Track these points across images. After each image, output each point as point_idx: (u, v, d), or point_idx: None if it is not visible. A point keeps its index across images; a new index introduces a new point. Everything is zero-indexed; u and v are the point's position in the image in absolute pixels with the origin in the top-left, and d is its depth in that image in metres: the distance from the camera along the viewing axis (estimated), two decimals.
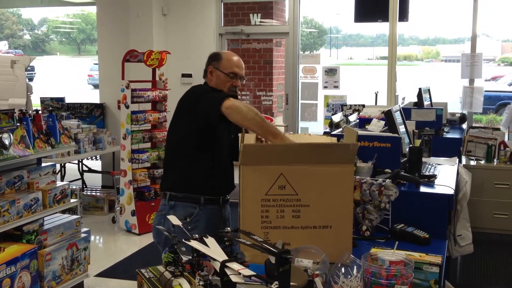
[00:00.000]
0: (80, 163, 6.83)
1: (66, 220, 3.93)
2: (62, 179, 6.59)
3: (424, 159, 3.49)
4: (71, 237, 3.92)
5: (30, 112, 3.94)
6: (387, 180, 2.73)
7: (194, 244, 1.67)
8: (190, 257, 1.59)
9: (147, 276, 1.56)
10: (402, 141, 3.12)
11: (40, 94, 7.35)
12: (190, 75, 6.92)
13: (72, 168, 7.18)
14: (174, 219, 1.89)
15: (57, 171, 4.09)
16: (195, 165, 2.75)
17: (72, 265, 3.86)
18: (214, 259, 1.60)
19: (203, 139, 2.74)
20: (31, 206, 3.56)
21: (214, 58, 2.88)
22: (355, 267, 2.04)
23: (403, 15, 5.76)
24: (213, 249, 1.66)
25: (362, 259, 1.93)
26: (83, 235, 4.03)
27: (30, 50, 39.91)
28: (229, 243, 1.80)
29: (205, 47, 7.00)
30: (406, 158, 3.11)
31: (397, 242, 2.08)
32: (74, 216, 4.09)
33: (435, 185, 2.88)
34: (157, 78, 5.94)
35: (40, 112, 3.88)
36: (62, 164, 6.66)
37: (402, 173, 2.91)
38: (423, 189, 2.81)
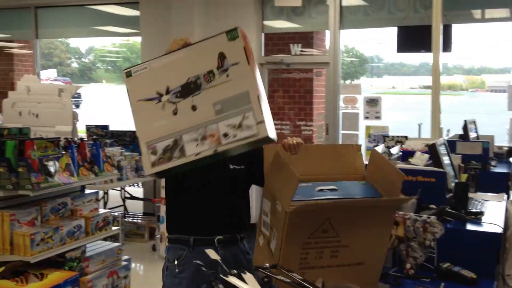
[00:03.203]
0: (123, 190, 6.93)
1: (108, 248, 3.96)
2: (105, 206, 6.70)
3: (470, 195, 3.38)
4: (112, 265, 3.95)
5: (76, 139, 4.04)
6: (432, 217, 2.65)
7: (232, 280, 1.65)
8: None
9: None
10: (447, 176, 3.04)
11: (86, 120, 7.54)
12: None
13: (114, 194, 7.28)
14: (212, 254, 1.87)
15: (99, 198, 4.14)
16: (178, 203, 2.57)
17: None
18: None
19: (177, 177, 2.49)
20: (74, 233, 3.61)
21: None
22: None
23: (447, 46, 5.69)
24: (251, 286, 1.64)
25: None
26: (124, 263, 4.06)
27: (77, 78, 41.14)
28: (267, 280, 1.77)
29: None
30: (451, 194, 3.02)
31: (443, 284, 2.01)
32: (116, 244, 4.13)
33: (482, 223, 2.78)
34: None
35: (85, 140, 3.97)
36: (105, 191, 6.77)
37: (448, 209, 2.82)
38: (470, 227, 2.72)
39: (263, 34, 7.28)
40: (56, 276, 3.35)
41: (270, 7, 7.15)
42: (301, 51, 7.54)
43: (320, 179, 2.21)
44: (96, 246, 3.96)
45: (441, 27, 5.51)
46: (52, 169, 3.41)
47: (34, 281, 3.29)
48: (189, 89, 1.89)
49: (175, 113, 1.88)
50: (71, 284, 3.38)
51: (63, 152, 3.60)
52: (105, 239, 4.13)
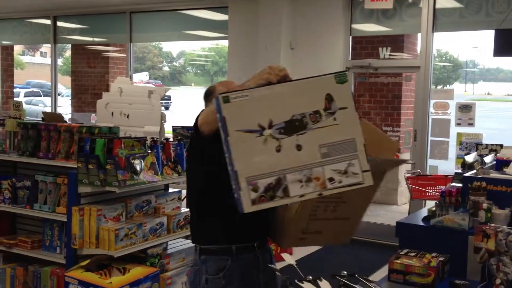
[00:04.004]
0: None
1: (188, 246, 4.02)
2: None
3: None
4: (192, 263, 3.99)
5: (163, 139, 4.14)
6: None
7: (307, 286, 1.59)
8: None
9: None
10: None
11: (174, 122, 7.74)
12: None
13: None
14: (288, 258, 1.83)
15: (182, 198, 4.22)
16: (216, 211, 2.47)
17: None
18: None
19: (212, 177, 2.44)
20: (156, 230, 3.70)
21: (210, 93, 2.65)
22: None
23: None
24: None
25: None
26: None
27: (168, 81, 42.66)
28: None
29: None
30: None
31: None
32: None
33: None
34: None
35: (170, 140, 4.06)
36: None
37: None
38: None
39: (350, 38, 7.14)
40: (138, 271, 3.44)
41: (360, 10, 7.00)
42: (390, 54, 7.32)
43: None
44: (177, 243, 4.03)
45: None
46: (138, 167, 3.51)
47: (116, 275, 3.39)
48: (294, 126, 1.85)
49: (278, 150, 1.83)
50: (151, 280, 3.45)
51: (149, 151, 3.69)
52: (186, 237, 4.19)
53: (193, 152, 2.55)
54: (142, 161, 3.55)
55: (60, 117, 4.52)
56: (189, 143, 2.63)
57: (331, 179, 1.85)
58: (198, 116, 2.34)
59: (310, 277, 1.67)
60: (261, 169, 1.83)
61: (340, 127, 1.86)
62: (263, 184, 1.82)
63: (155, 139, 3.86)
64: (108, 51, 10.70)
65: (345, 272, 1.76)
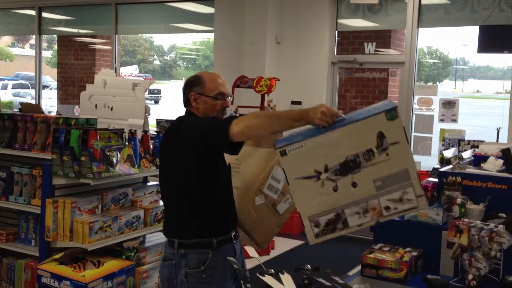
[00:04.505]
0: None
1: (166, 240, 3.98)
2: None
3: None
4: (164, 258, 3.95)
5: (141, 131, 4.09)
6: (500, 226, 2.45)
7: (268, 280, 1.57)
8: None
9: None
10: None
11: (164, 115, 7.67)
12: (299, 103, 6.88)
13: None
14: (251, 251, 1.80)
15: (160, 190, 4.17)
16: (201, 205, 2.51)
17: None
18: None
19: (205, 174, 2.50)
20: (132, 224, 3.66)
21: (194, 83, 2.61)
22: None
23: None
24: (287, 287, 1.55)
25: None
26: None
27: (158, 75, 42.45)
28: (308, 282, 1.67)
29: (316, 75, 6.95)
30: None
31: None
32: None
33: None
34: (266, 104, 5.96)
35: (148, 133, 4.01)
36: None
37: None
38: None
39: (336, 32, 7.11)
40: (112, 264, 3.40)
41: (346, 4, 6.98)
42: (377, 50, 7.31)
43: None
44: (155, 237, 3.99)
45: None
46: (113, 160, 3.46)
47: (91, 268, 3.35)
48: (349, 167, 1.95)
49: (335, 189, 1.95)
50: (126, 273, 3.42)
51: (126, 143, 3.65)
52: None
53: (183, 152, 2.49)
54: (118, 153, 3.51)
55: (37, 108, 4.46)
56: (174, 140, 2.55)
57: (387, 208, 1.95)
58: (219, 122, 2.35)
59: (272, 270, 1.64)
60: (321, 209, 1.97)
61: (393, 161, 1.93)
62: (324, 220, 1.96)
63: (132, 131, 3.81)
64: (95, 43, 10.61)
65: (308, 266, 1.74)
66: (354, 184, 1.93)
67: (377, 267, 2.58)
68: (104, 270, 3.32)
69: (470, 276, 2.44)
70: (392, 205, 1.94)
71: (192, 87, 2.61)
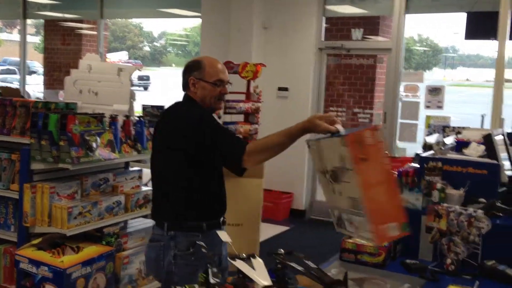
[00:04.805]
0: None
1: (148, 225, 3.94)
2: None
3: None
4: (152, 239, 3.92)
5: (122, 116, 4.03)
6: (479, 211, 2.44)
7: (239, 264, 1.54)
8: (218, 280, 1.46)
9: None
10: (502, 169, 2.80)
11: (153, 102, 7.60)
12: (286, 89, 6.85)
13: None
14: (223, 235, 1.77)
15: (142, 176, 4.12)
16: (196, 189, 2.55)
17: None
18: (257, 283, 1.46)
19: (203, 162, 2.55)
20: (113, 209, 3.62)
21: (194, 68, 2.63)
22: None
23: None
24: (258, 272, 1.53)
25: None
26: None
27: (148, 61, 42.19)
28: (280, 266, 1.65)
29: (303, 61, 6.90)
30: (505, 188, 2.78)
31: (477, 282, 1.83)
32: None
33: None
34: (251, 90, 5.90)
35: (130, 118, 3.96)
36: None
37: (499, 204, 2.59)
38: None
39: (324, 18, 7.06)
40: (92, 250, 3.36)
41: None
42: (364, 37, 7.27)
43: None
44: (137, 223, 3.96)
45: (510, 13, 5.12)
46: (93, 144, 3.41)
47: (70, 253, 3.32)
48: (336, 176, 1.95)
49: (333, 191, 1.97)
50: (105, 259, 3.39)
51: (106, 128, 3.60)
52: (146, 216, 4.11)
53: (185, 143, 2.51)
54: (98, 138, 3.46)
55: (17, 92, 4.39)
56: (177, 128, 2.55)
57: (356, 228, 1.90)
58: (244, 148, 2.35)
59: (244, 254, 1.62)
60: (331, 204, 2.02)
61: (351, 185, 1.87)
62: (336, 214, 1.99)
63: (113, 115, 3.76)
64: (81, 28, 10.48)
65: (282, 250, 1.72)
66: (340, 193, 1.93)
67: (356, 252, 2.56)
68: (83, 256, 3.29)
69: (449, 261, 2.43)
70: (361, 228, 1.87)
71: (191, 72, 2.62)
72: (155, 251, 2.59)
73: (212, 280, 1.41)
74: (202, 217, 2.55)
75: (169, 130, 2.58)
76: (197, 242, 1.90)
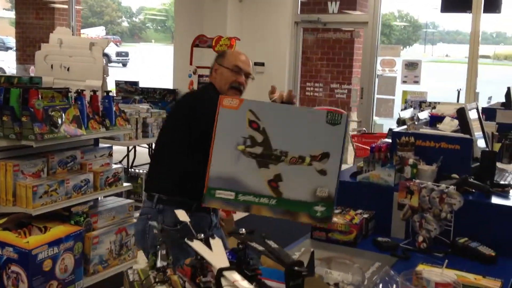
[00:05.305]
0: (150, 148, 6.84)
1: (119, 204, 3.86)
2: (131, 163, 6.62)
3: (502, 166, 3.09)
4: (122, 222, 3.85)
5: (90, 91, 3.90)
6: (451, 187, 2.39)
7: (195, 245, 1.47)
8: (166, 263, 1.39)
9: (131, 279, 1.38)
10: (475, 144, 2.75)
11: (132, 78, 7.45)
12: (262, 64, 6.74)
13: (142, 152, 7.22)
14: (182, 215, 1.70)
15: (112, 153, 4.01)
16: (192, 167, 2.54)
17: (120, 250, 3.80)
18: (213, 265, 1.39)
19: (202, 144, 2.50)
20: (81, 188, 3.52)
21: (220, 56, 2.82)
22: (394, 285, 1.78)
23: (494, 6, 5.23)
24: (215, 253, 1.45)
25: (401, 277, 1.66)
26: (135, 220, 3.95)
27: (127, 37, 41.53)
28: (242, 246, 1.58)
29: (279, 35, 6.79)
30: (478, 164, 2.74)
31: (446, 260, 1.79)
32: (128, 200, 4.03)
33: (510, 196, 2.50)
34: None
35: (97, 93, 3.83)
36: (130, 148, 6.68)
37: (471, 180, 2.55)
38: (494, 200, 2.45)
39: None
40: (59, 230, 3.27)
41: None
42: (342, 11, 7.17)
43: None
44: (108, 202, 3.87)
45: None
46: (58, 120, 3.29)
47: (36, 234, 3.22)
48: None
49: None
50: (74, 239, 3.30)
51: (72, 103, 3.47)
52: (117, 195, 4.02)
53: (198, 127, 2.55)
54: (63, 113, 3.34)
55: None
56: (193, 109, 2.62)
57: None
58: None
59: (202, 235, 1.54)
60: None
61: None
62: None
63: (79, 90, 3.63)
64: (54, 2, 10.19)
65: (243, 230, 1.64)
66: None
67: (326, 230, 2.50)
68: (50, 236, 3.19)
69: (421, 238, 2.39)
70: None
71: (217, 59, 2.81)
72: (142, 223, 2.64)
73: (159, 263, 1.34)
74: (192, 196, 2.54)
75: (179, 109, 2.75)
76: (150, 222, 1.82)
